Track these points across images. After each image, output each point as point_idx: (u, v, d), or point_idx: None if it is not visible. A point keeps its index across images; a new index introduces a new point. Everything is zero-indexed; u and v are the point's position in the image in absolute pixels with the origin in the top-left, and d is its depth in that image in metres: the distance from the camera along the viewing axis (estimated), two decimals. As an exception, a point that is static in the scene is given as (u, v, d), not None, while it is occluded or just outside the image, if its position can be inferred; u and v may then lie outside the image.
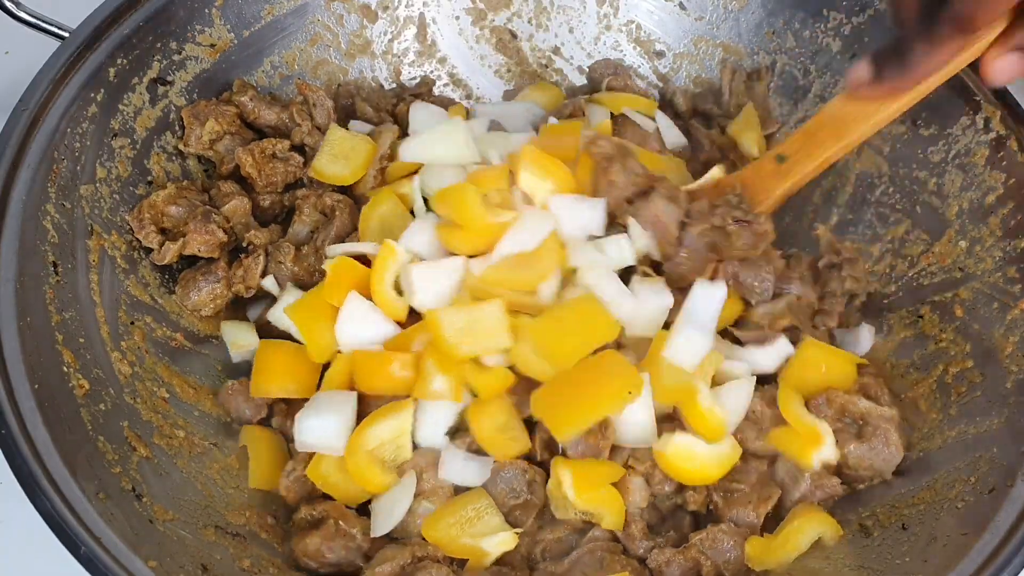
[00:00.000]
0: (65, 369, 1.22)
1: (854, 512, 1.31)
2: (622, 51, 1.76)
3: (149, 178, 1.47)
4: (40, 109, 1.31)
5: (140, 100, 1.46)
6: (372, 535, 1.25)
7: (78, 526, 1.05)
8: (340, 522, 1.24)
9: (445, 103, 1.69)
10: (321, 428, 1.26)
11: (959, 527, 1.18)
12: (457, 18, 1.75)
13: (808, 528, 1.27)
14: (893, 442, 1.31)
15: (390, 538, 1.27)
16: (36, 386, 1.15)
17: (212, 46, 1.54)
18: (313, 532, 1.24)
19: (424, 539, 1.24)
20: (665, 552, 1.25)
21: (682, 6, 1.71)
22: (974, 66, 1.29)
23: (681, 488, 1.31)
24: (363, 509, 1.30)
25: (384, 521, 1.25)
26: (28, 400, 1.13)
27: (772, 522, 1.31)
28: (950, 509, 1.22)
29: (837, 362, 1.38)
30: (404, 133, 1.57)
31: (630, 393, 1.22)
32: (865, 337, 1.47)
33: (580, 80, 1.77)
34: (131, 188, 1.44)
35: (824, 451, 1.29)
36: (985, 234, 1.38)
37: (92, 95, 1.38)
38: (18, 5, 1.42)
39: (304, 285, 1.44)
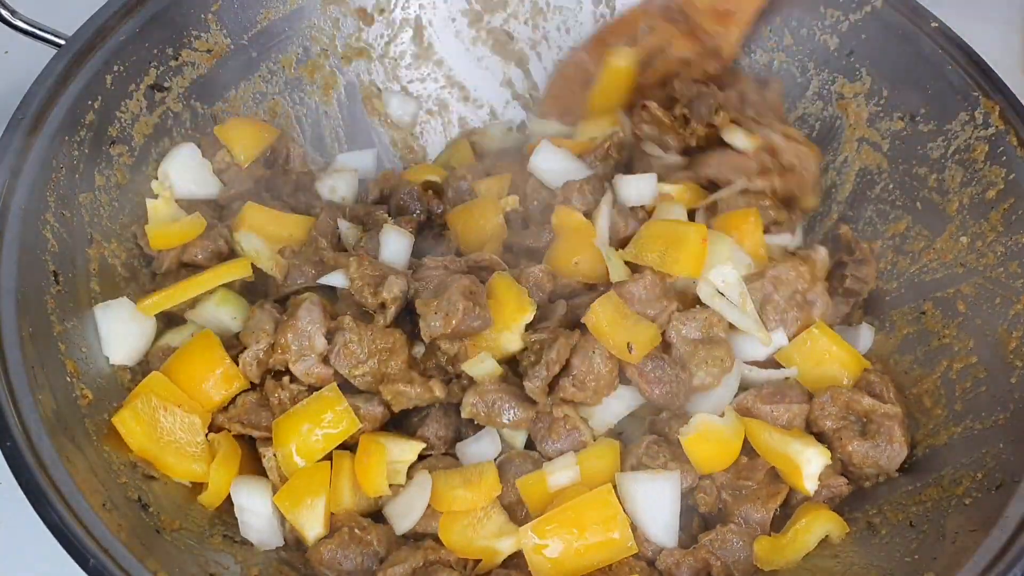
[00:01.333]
0: (68, 379, 1.22)
1: (861, 510, 1.31)
2: (619, 51, 1.76)
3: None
4: (38, 117, 1.30)
5: (137, 107, 1.45)
6: (397, 533, 1.26)
7: (86, 538, 1.05)
8: (355, 529, 1.23)
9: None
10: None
11: (967, 524, 1.18)
12: (453, 20, 1.74)
13: (815, 527, 1.27)
14: (897, 439, 1.31)
15: (404, 538, 1.26)
16: (40, 397, 1.14)
17: (209, 51, 1.53)
18: (327, 540, 1.23)
19: (437, 541, 1.24)
20: (674, 554, 1.25)
21: (678, 5, 1.71)
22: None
23: (692, 489, 1.31)
24: (376, 516, 1.30)
25: (403, 521, 1.25)
26: (32, 412, 1.12)
27: (779, 521, 1.30)
28: (958, 506, 1.22)
29: (843, 350, 1.39)
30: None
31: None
32: (865, 336, 1.47)
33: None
34: (130, 195, 1.43)
35: (808, 476, 1.27)
36: (986, 229, 1.39)
37: (89, 102, 1.37)
38: (14, 13, 1.41)
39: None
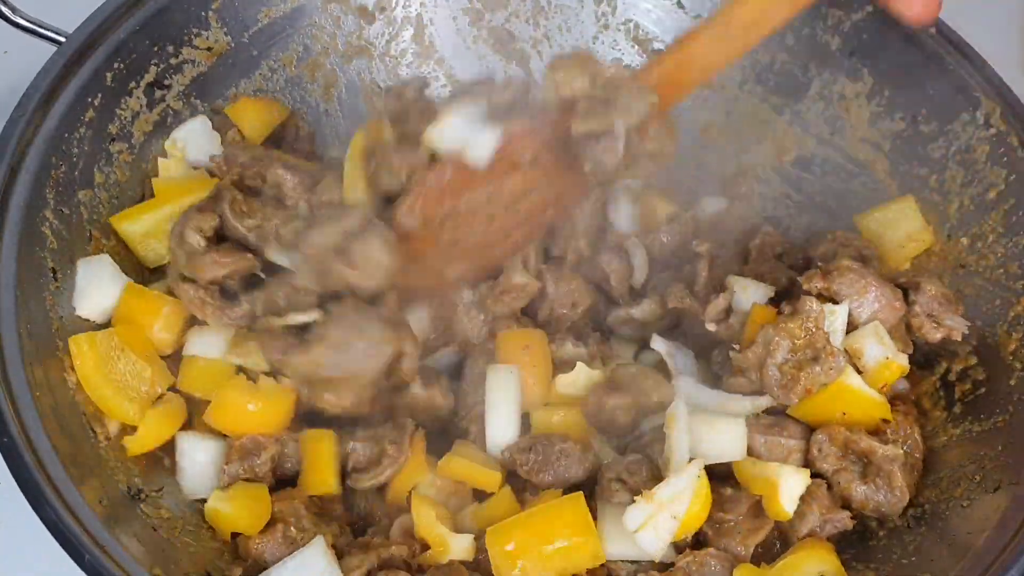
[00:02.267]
0: (66, 375, 1.22)
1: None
2: (620, 50, 1.75)
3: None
4: (38, 114, 1.30)
5: (137, 104, 1.45)
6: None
7: (82, 534, 1.05)
8: (291, 527, 1.20)
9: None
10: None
11: (965, 526, 1.18)
12: (455, 19, 1.74)
13: (807, 564, 1.20)
14: (897, 485, 1.25)
15: (355, 536, 1.24)
16: (37, 393, 1.14)
17: (209, 49, 1.53)
18: (261, 536, 1.19)
19: (388, 539, 1.22)
20: (649, 573, 1.21)
21: (680, 4, 1.70)
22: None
23: None
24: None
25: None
26: (30, 408, 1.12)
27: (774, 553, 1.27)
28: (956, 507, 1.22)
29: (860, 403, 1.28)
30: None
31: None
32: None
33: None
34: (129, 193, 1.44)
35: (786, 497, 1.21)
36: (987, 230, 1.38)
37: (89, 100, 1.37)
38: (14, 10, 1.42)
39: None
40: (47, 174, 1.29)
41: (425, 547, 1.22)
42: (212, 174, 1.47)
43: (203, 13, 1.51)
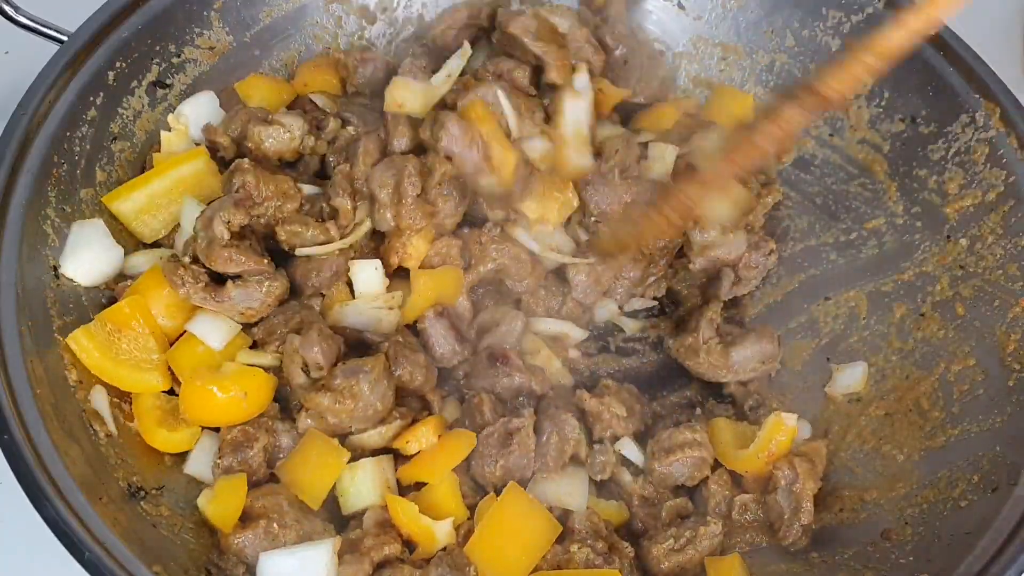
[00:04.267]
0: (66, 372, 1.22)
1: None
2: (620, 51, 1.76)
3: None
4: (39, 113, 1.31)
5: (140, 103, 1.45)
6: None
7: (82, 531, 1.05)
8: (273, 523, 1.19)
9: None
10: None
11: (962, 526, 1.18)
12: (456, 19, 1.74)
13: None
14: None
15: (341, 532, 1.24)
16: (38, 391, 1.15)
17: (211, 49, 1.54)
18: (240, 529, 1.19)
19: (376, 536, 1.21)
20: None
21: (680, 6, 1.70)
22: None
23: None
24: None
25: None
26: (31, 406, 1.12)
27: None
28: (953, 508, 1.22)
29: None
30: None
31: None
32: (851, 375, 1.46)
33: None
34: (131, 192, 1.44)
35: None
36: (986, 232, 1.39)
37: (91, 98, 1.37)
38: (17, 9, 1.42)
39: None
40: (49, 172, 1.30)
41: (407, 541, 1.23)
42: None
43: (205, 12, 1.52)
